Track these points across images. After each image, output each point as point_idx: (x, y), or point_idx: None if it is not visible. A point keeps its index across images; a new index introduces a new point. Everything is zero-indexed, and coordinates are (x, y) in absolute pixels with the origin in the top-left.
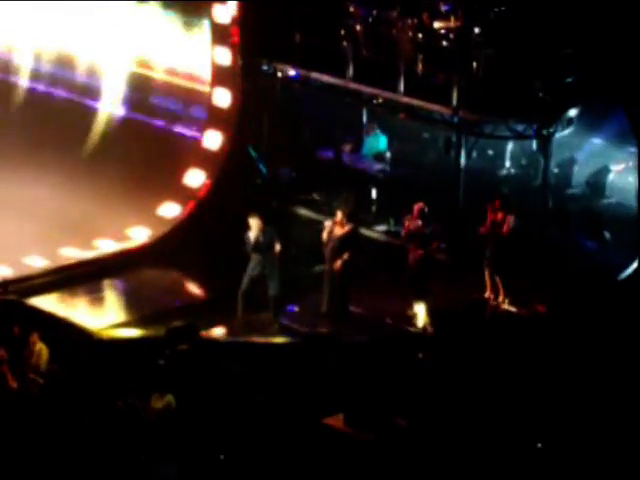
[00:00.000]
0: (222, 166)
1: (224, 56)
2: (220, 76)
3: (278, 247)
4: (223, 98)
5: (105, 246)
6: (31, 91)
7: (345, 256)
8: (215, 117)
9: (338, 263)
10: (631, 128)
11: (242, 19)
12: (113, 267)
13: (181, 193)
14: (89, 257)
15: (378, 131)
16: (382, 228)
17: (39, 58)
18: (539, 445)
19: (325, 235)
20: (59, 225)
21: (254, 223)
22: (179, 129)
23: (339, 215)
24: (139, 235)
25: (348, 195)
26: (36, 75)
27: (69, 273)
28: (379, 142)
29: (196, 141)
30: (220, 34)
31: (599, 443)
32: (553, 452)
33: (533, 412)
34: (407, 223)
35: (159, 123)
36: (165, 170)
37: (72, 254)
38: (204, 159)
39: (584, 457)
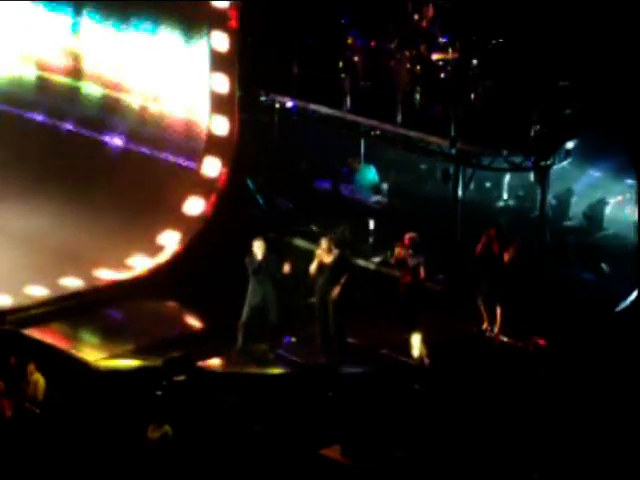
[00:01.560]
0: (222, 193)
1: (222, 84)
2: (218, 104)
3: (287, 268)
4: (221, 126)
5: (105, 276)
6: (32, 122)
7: (342, 280)
8: (213, 145)
9: (335, 291)
10: (629, 160)
11: (240, 50)
12: (110, 297)
13: (180, 221)
14: (87, 287)
15: (363, 165)
16: (379, 259)
17: (44, 89)
18: (536, 477)
19: (314, 267)
20: (59, 255)
21: (258, 246)
22: (176, 158)
23: (324, 243)
24: (139, 264)
25: (345, 225)
26: (38, 106)
27: (66, 304)
28: (367, 175)
29: (194, 170)
30: (219, 62)
31: (596, 474)
32: None
33: (530, 444)
34: (397, 251)
35: (157, 153)
36: (164, 199)
37: (71, 284)
38: (203, 187)
39: None
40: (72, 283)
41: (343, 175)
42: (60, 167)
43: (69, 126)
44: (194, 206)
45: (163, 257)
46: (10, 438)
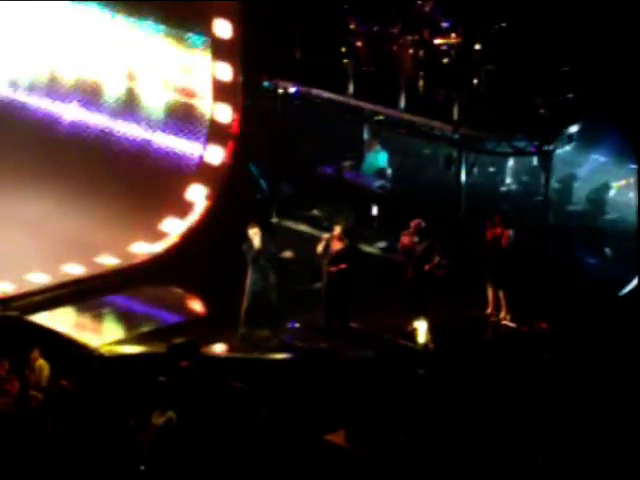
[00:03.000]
0: (223, 180)
1: (225, 71)
2: (221, 91)
3: (289, 253)
4: (224, 114)
5: (107, 262)
6: (33, 109)
7: (342, 266)
8: (216, 132)
9: (334, 269)
10: (631, 145)
11: (243, 35)
12: (114, 283)
13: (183, 208)
14: (91, 274)
15: (378, 147)
16: (383, 244)
17: (38, 76)
18: (540, 462)
19: (321, 249)
20: (61, 242)
21: (254, 232)
22: (179, 145)
23: (337, 230)
24: (141, 251)
25: (348, 211)
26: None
27: (70, 290)
28: (379, 159)
29: (196, 157)
30: (221, 49)
31: (600, 459)
32: (554, 469)
33: (534, 429)
34: (403, 238)
35: (160, 140)
36: (166, 186)
37: (74, 271)
38: (205, 174)
39: (585, 473)
40: (74, 270)
41: (349, 159)
42: (62, 154)
43: (71, 113)
44: (196, 193)
45: (166, 243)
46: (14, 424)
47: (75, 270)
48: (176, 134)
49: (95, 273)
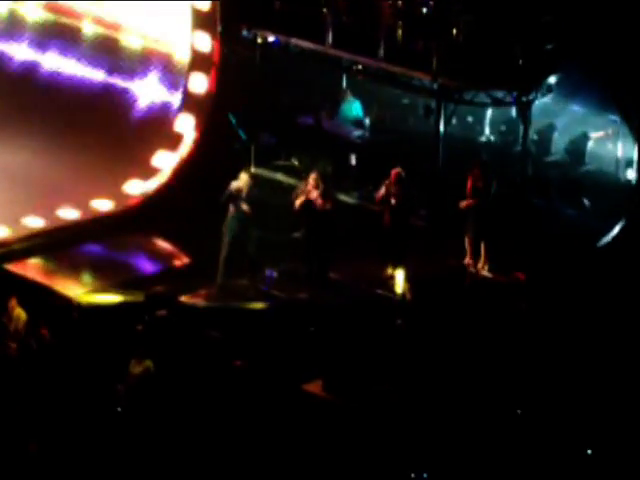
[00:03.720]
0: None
1: (204, 42)
2: (199, 62)
3: (246, 207)
4: (203, 42)
5: (98, 206)
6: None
7: (326, 205)
8: (198, 61)
9: (315, 196)
10: (610, 95)
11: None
12: (93, 232)
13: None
14: (68, 222)
15: (351, 97)
16: (361, 194)
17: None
18: (518, 411)
19: (299, 202)
20: (25, 191)
21: (243, 177)
22: (159, 90)
23: (312, 179)
24: (136, 189)
25: (326, 160)
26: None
27: (50, 239)
28: (352, 108)
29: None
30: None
31: (577, 409)
32: (532, 418)
33: (512, 379)
34: (383, 188)
35: (138, 86)
36: (153, 121)
37: (67, 215)
38: (191, 103)
39: (563, 423)
40: (68, 214)
41: (326, 109)
42: (40, 103)
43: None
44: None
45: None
46: None
47: (68, 214)
48: (156, 79)
49: (73, 220)
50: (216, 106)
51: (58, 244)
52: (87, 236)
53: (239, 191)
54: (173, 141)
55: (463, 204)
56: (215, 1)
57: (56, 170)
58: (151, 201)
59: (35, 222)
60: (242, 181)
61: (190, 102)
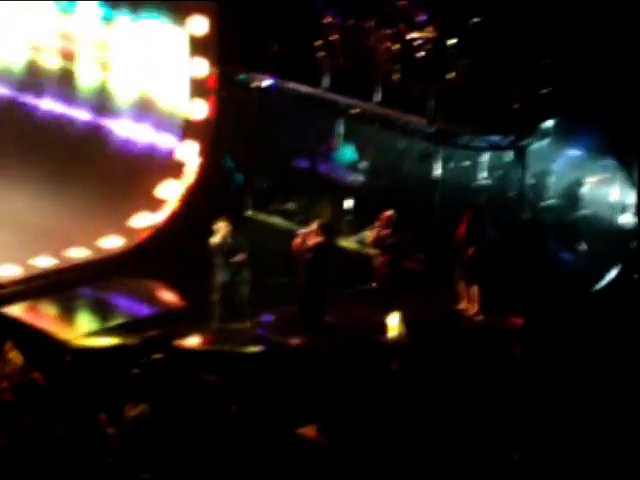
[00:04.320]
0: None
1: (201, 68)
2: (197, 88)
3: (242, 257)
4: (199, 110)
5: (77, 255)
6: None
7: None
8: (191, 129)
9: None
10: (606, 140)
11: (218, 28)
12: (87, 276)
13: (154, 203)
14: (63, 266)
15: (342, 143)
16: (357, 238)
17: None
18: (515, 456)
19: (296, 244)
20: (32, 234)
21: (222, 226)
22: (153, 140)
23: (315, 225)
24: (111, 245)
25: (323, 205)
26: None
27: (43, 282)
28: (346, 154)
29: (171, 153)
30: (197, 46)
31: (574, 454)
32: (529, 463)
33: (509, 423)
34: (375, 231)
35: (135, 135)
36: (139, 181)
37: (45, 263)
38: (192, 130)
39: (560, 468)
40: (46, 262)
41: (321, 154)
42: (33, 147)
43: (43, 105)
44: (169, 188)
45: (168, 209)
46: None
47: (46, 262)
48: (152, 129)
49: (68, 265)
50: (213, 145)
51: (53, 287)
52: (81, 280)
53: (222, 245)
54: (176, 170)
55: (462, 232)
56: (212, 25)
57: (59, 213)
58: (162, 233)
59: (31, 265)
60: (221, 232)
61: (191, 128)
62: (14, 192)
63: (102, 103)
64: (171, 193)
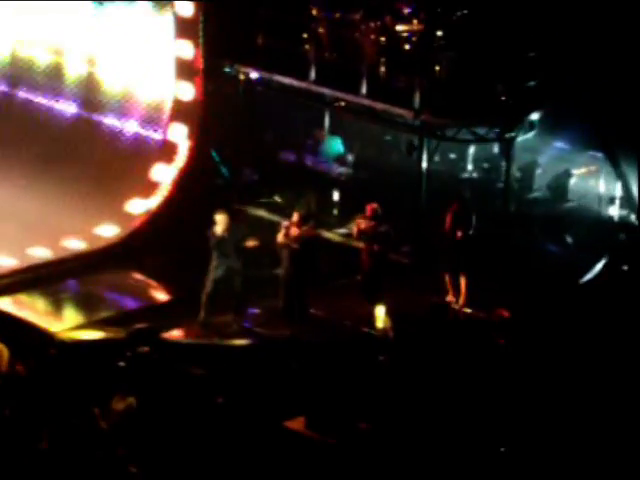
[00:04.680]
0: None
1: (187, 50)
2: (183, 70)
3: (252, 242)
4: (186, 49)
5: (73, 245)
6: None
7: (295, 246)
8: (181, 69)
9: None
10: (594, 132)
11: (205, 20)
12: (75, 269)
13: (147, 189)
14: (53, 258)
15: (328, 136)
16: (343, 230)
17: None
18: (502, 449)
19: (281, 236)
20: (25, 225)
21: (220, 219)
22: (141, 126)
23: (296, 216)
24: (108, 233)
25: (309, 197)
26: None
27: (31, 274)
28: (333, 146)
29: (159, 137)
30: (183, 28)
31: (560, 446)
32: (516, 456)
33: (496, 416)
34: (359, 223)
35: (122, 122)
36: (130, 167)
37: (38, 254)
38: (180, 112)
39: (546, 460)
40: (39, 253)
41: (308, 146)
42: (22, 138)
43: (26, 94)
44: (160, 173)
45: (131, 225)
46: None
47: (39, 253)
48: (138, 115)
49: (58, 257)
50: (197, 148)
51: (40, 280)
52: (69, 273)
53: (223, 234)
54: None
55: (447, 225)
56: (198, 4)
57: (53, 202)
58: (157, 217)
59: (17, 259)
60: (221, 223)
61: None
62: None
63: (89, 96)
64: (165, 176)
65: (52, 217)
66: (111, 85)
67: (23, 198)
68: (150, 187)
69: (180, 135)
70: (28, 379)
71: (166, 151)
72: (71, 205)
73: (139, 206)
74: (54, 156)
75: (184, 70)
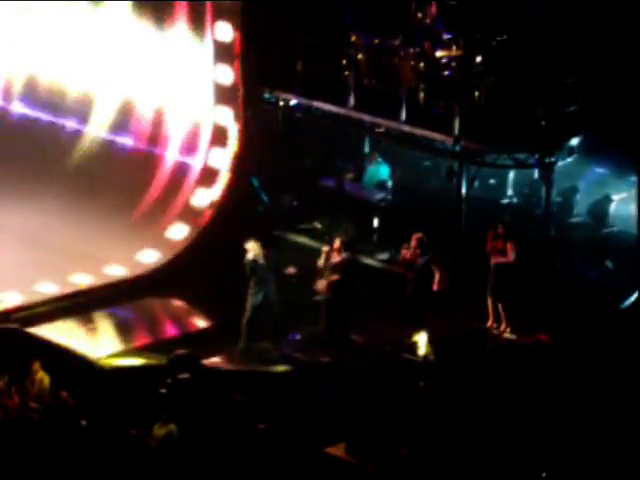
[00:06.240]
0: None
1: (226, 75)
2: (222, 95)
3: (292, 270)
4: (225, 32)
5: (114, 272)
6: (25, 117)
7: (334, 277)
8: (220, 53)
9: (321, 284)
10: (631, 157)
11: (245, 47)
12: (116, 295)
13: (188, 215)
14: (94, 284)
15: (380, 160)
16: (383, 256)
17: (33, 84)
18: (544, 475)
19: (322, 262)
20: (67, 253)
21: (251, 247)
22: (180, 155)
23: (337, 242)
24: (148, 259)
25: (347, 223)
26: (33, 101)
27: (72, 301)
28: (380, 171)
29: (199, 164)
30: (222, 52)
31: (602, 472)
32: None
33: (537, 441)
34: (404, 252)
35: (160, 150)
36: (170, 194)
37: (79, 281)
38: (223, 96)
39: None
40: (80, 280)
41: (353, 170)
42: (60, 165)
43: (69, 123)
44: (201, 199)
45: (170, 253)
46: (13, 437)
47: (81, 280)
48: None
49: (99, 284)
50: (237, 175)
51: (81, 307)
52: (109, 300)
53: (257, 260)
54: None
55: (489, 246)
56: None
57: (92, 229)
58: (198, 244)
59: (59, 286)
60: (252, 250)
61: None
62: (40, 210)
63: (121, 121)
64: (222, 161)
65: (92, 244)
66: (145, 112)
67: (61, 226)
68: (191, 212)
69: (220, 160)
70: (75, 407)
71: (206, 176)
72: (111, 232)
73: (180, 232)
74: (96, 184)
75: (223, 95)
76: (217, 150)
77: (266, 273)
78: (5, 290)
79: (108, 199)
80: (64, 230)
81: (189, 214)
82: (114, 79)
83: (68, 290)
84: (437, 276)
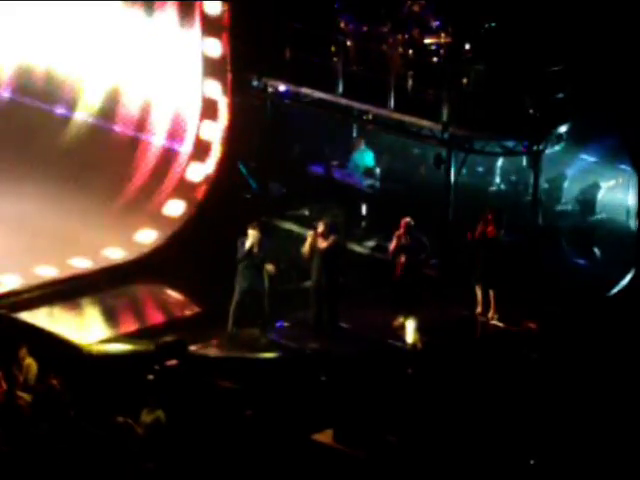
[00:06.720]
0: (216, 175)
1: (215, 47)
2: (211, 68)
3: (271, 267)
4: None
5: (114, 255)
6: (13, 103)
7: (331, 239)
8: (208, 25)
9: (324, 244)
10: (621, 145)
11: (233, 34)
12: (103, 282)
13: (184, 189)
14: (79, 271)
15: (364, 147)
16: (371, 243)
17: (26, 72)
18: (532, 461)
19: (307, 247)
20: (63, 238)
21: (252, 233)
22: (169, 142)
23: (321, 227)
24: (147, 238)
25: (337, 210)
26: (20, 88)
27: (59, 288)
28: (365, 158)
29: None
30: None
31: (591, 458)
32: (546, 468)
33: (524, 428)
34: (395, 238)
35: (148, 138)
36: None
37: (78, 264)
38: (210, 67)
39: (576, 473)
40: (79, 264)
41: (339, 158)
42: (50, 151)
43: (59, 110)
44: (195, 174)
45: (169, 230)
46: (2, 425)
47: (79, 264)
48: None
49: (83, 271)
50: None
51: (69, 293)
52: (98, 286)
53: (252, 248)
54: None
55: (470, 235)
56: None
57: (88, 214)
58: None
59: (47, 271)
60: (253, 238)
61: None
62: (30, 196)
63: (109, 108)
64: (213, 133)
65: (88, 228)
66: (134, 99)
67: (58, 212)
68: (186, 187)
69: (212, 132)
70: (63, 393)
71: (199, 149)
72: (107, 214)
73: (177, 208)
74: (84, 168)
75: (211, 68)
76: (208, 123)
77: (257, 259)
78: (3, 273)
79: (100, 182)
80: (57, 214)
81: (185, 189)
82: (103, 65)
83: (67, 273)
84: (423, 257)
